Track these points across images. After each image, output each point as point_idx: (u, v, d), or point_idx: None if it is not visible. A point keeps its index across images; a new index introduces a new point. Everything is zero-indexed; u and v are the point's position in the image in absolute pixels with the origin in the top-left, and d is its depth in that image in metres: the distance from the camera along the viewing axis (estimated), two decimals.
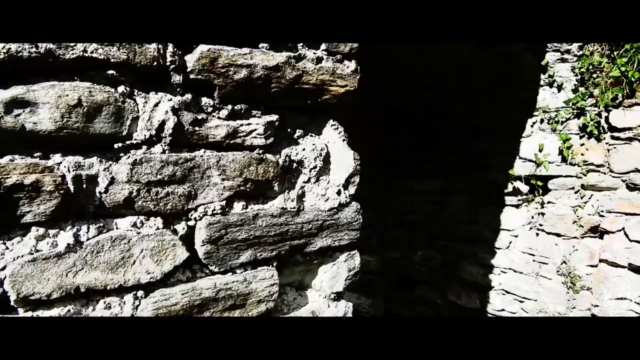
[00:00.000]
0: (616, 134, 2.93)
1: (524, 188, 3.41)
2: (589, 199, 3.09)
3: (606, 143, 2.99)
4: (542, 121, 3.28)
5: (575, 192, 3.14)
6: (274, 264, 1.21)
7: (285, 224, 1.20)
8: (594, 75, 2.99)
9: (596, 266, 3.06)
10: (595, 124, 2.99)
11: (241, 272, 1.13)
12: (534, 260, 3.37)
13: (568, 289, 3.17)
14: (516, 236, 3.51)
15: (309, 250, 1.27)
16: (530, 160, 3.35)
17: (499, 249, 3.61)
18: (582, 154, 3.08)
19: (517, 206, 3.50)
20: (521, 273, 3.45)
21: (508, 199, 3.53)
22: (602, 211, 3.02)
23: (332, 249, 1.34)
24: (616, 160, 2.94)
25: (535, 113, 3.33)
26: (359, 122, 4.15)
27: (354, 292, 4.60)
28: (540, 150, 3.26)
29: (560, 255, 3.21)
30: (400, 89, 3.82)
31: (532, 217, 3.39)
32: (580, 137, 3.10)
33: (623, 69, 2.82)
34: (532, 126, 3.36)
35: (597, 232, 3.07)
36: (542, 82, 3.24)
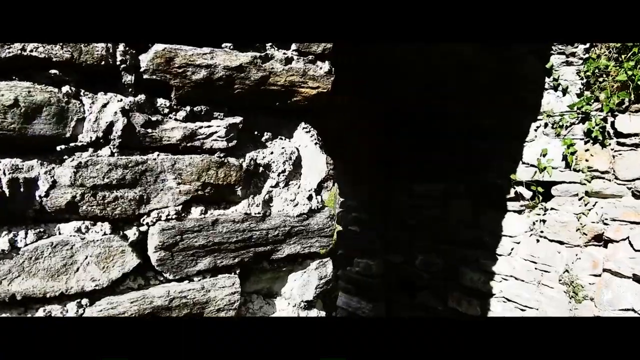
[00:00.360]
0: (622, 140, 2.83)
1: (527, 194, 3.32)
2: (593, 206, 2.99)
3: (611, 149, 2.89)
4: (546, 125, 3.19)
5: (579, 199, 3.04)
6: (237, 272, 1.17)
7: (249, 230, 1.16)
8: (600, 79, 2.89)
9: (599, 276, 2.96)
10: (601, 129, 2.89)
11: (199, 280, 1.09)
12: (535, 268, 3.28)
13: (570, 298, 3.07)
14: (518, 243, 3.42)
15: (275, 257, 1.23)
16: (533, 166, 3.25)
17: (500, 255, 3.53)
18: (587, 160, 2.98)
19: (519, 212, 3.41)
20: (523, 281, 3.36)
21: (510, 204, 3.44)
22: (607, 219, 2.92)
23: (302, 256, 1.29)
24: (621, 167, 2.84)
25: (539, 117, 3.23)
26: (358, 122, 4.10)
27: (355, 295, 4.55)
28: (544, 155, 3.17)
29: (563, 263, 3.11)
30: (400, 89, 3.75)
31: (535, 224, 3.29)
32: (585, 143, 3.00)
33: (630, 72, 2.72)
34: (535, 130, 3.27)
35: (601, 240, 2.97)
36: (546, 86, 3.15)
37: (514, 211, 3.44)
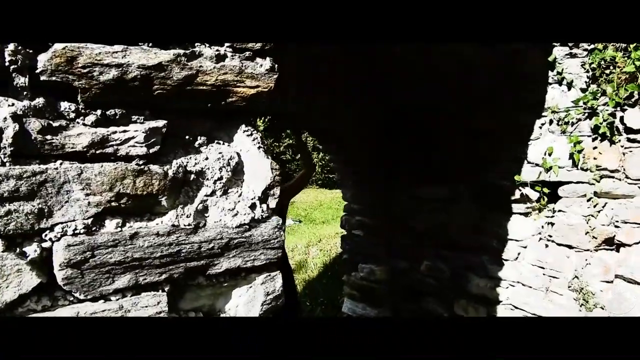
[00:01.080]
0: (632, 136, 2.63)
1: (533, 195, 3.13)
2: (603, 207, 2.79)
3: (621, 146, 2.69)
4: (551, 122, 3.01)
5: (588, 200, 2.84)
6: (166, 288, 1.07)
7: (177, 243, 1.06)
8: (607, 72, 2.70)
9: (611, 282, 2.76)
10: (609, 125, 2.70)
11: (117, 299, 1.00)
12: (543, 274, 3.09)
13: (580, 306, 2.87)
14: (525, 247, 3.23)
15: (212, 272, 1.13)
16: (538, 165, 3.07)
17: (506, 260, 3.35)
18: (595, 158, 2.79)
19: (525, 214, 3.23)
20: (530, 287, 3.17)
21: (516, 207, 3.26)
22: (618, 221, 2.72)
23: (245, 271, 1.19)
24: (632, 165, 2.64)
25: (544, 114, 3.05)
26: (360, 125, 3.98)
27: (360, 301, 4.42)
28: (550, 154, 2.99)
29: (572, 269, 2.92)
30: (400, 90, 3.62)
31: (542, 227, 3.11)
32: (593, 140, 2.81)
33: (638, 63, 2.53)
34: (540, 128, 3.09)
35: (613, 244, 2.77)
36: (550, 80, 2.97)
37: (520, 214, 3.25)
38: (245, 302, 1.21)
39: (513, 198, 3.25)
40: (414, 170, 3.94)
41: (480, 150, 3.44)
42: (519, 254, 3.27)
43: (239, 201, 1.17)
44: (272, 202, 1.23)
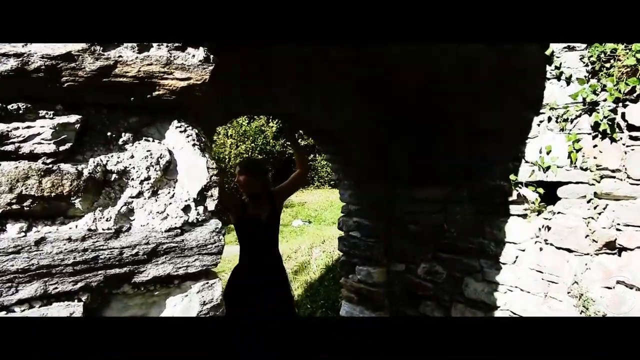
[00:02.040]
0: (634, 133, 2.47)
1: (531, 196, 2.99)
2: (604, 209, 2.63)
3: (623, 144, 2.54)
4: (549, 119, 2.86)
5: (588, 201, 2.69)
6: (83, 298, 0.99)
7: (94, 249, 0.98)
8: (607, 65, 2.55)
9: (612, 288, 2.60)
10: (609, 122, 2.54)
11: (22, 311, 0.92)
12: (542, 279, 2.94)
13: (580, 313, 2.72)
14: (523, 250, 3.08)
15: (139, 280, 1.04)
16: (536, 164, 2.93)
17: (504, 264, 3.20)
18: (595, 157, 2.64)
19: (523, 216, 3.08)
20: (528, 292, 3.02)
21: (513, 208, 3.11)
22: (619, 224, 2.56)
23: (179, 278, 1.10)
24: (634, 164, 2.48)
25: (542, 110, 2.91)
26: (358, 125, 3.87)
27: (357, 304, 4.31)
28: (548, 153, 2.84)
29: (572, 273, 2.77)
30: (399, 89, 3.50)
31: (540, 229, 2.96)
32: (593, 137, 2.65)
33: None
34: (539, 125, 2.94)
35: (614, 248, 2.61)
36: (548, 75, 2.82)
37: (518, 215, 3.11)
38: (181, 312, 1.12)
39: (511, 199, 3.10)
40: (414, 171, 3.82)
41: (480, 151, 3.30)
42: (517, 257, 3.12)
43: (170, 203, 1.08)
44: (211, 204, 1.14)
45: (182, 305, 1.12)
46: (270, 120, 15.10)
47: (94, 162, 0.98)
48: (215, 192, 1.14)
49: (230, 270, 3.60)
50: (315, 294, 5.69)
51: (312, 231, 8.80)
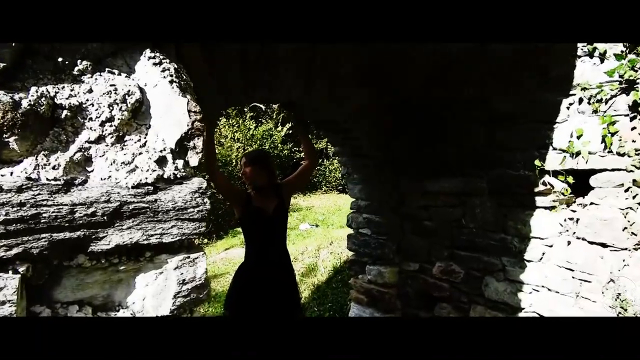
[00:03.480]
0: None
1: (559, 185, 2.73)
2: None
3: None
4: (580, 101, 2.60)
5: (625, 190, 2.43)
6: (21, 269, 0.76)
7: (35, 204, 0.75)
8: None
9: None
10: None
11: None
12: (573, 277, 2.67)
13: (617, 314, 2.45)
14: (550, 246, 2.82)
15: (97, 249, 0.81)
16: (565, 151, 2.67)
17: (529, 261, 2.94)
18: (634, 141, 2.38)
19: (550, 208, 2.82)
20: (557, 292, 2.76)
21: (539, 200, 2.85)
22: None
23: (150, 249, 0.87)
24: None
25: (572, 92, 2.65)
26: (366, 115, 3.63)
27: (367, 306, 4.05)
28: (579, 137, 2.59)
29: (607, 271, 2.50)
30: (408, 77, 3.26)
31: (570, 222, 2.69)
32: (631, 119, 2.39)
33: None
34: (568, 108, 2.68)
35: None
36: (579, 52, 2.57)
37: (545, 208, 2.85)
38: (153, 293, 0.88)
39: (537, 190, 2.84)
40: (426, 163, 3.57)
41: (499, 138, 3.05)
42: (543, 254, 2.86)
43: (140, 153, 0.85)
44: (193, 158, 0.91)
45: (155, 284, 0.88)
46: (278, 125, 14.91)
47: (37, 91, 0.75)
48: (198, 142, 0.91)
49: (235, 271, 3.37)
50: (322, 297, 5.43)
51: (319, 234, 8.55)
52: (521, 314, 2.99)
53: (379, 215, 3.90)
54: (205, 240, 10.27)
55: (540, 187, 2.82)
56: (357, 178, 4.02)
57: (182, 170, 0.88)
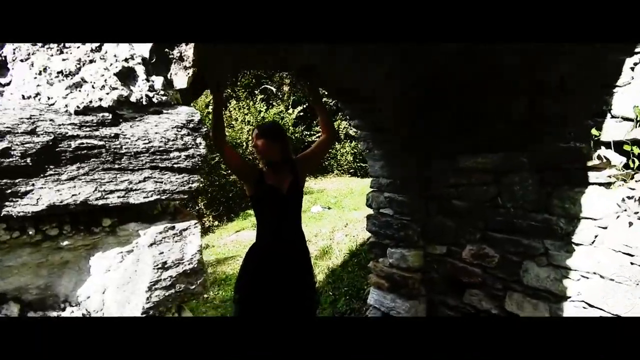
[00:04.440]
0: None
1: (617, 159, 2.37)
2: None
3: None
4: None
5: None
6: None
7: None
8: None
9: None
10: None
11: None
12: (632, 263, 2.33)
13: None
14: (604, 227, 2.47)
15: (16, 211, 0.49)
16: (628, 119, 2.31)
17: (578, 245, 2.59)
18: None
19: (606, 185, 2.46)
20: (612, 280, 2.41)
21: (593, 176, 2.50)
22: None
23: (109, 214, 0.55)
24: None
25: (637, 49, 2.27)
26: (390, 87, 3.28)
27: (389, 292, 3.75)
28: None
29: None
30: (440, 44, 2.88)
31: (630, 201, 2.34)
32: None
33: None
34: (632, 69, 2.31)
35: None
36: None
37: (599, 184, 2.49)
38: (119, 282, 0.57)
39: (590, 164, 2.49)
40: (460, 138, 3.21)
41: (546, 108, 2.69)
42: (596, 236, 2.51)
43: (92, 60, 0.52)
44: (180, 77, 0.58)
45: (121, 270, 0.57)
46: (289, 107, 14.55)
47: None
48: (189, 52, 0.58)
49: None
50: (338, 280, 5.15)
51: (333, 216, 8.25)
52: (567, 303, 2.66)
53: (403, 194, 3.57)
54: (216, 223, 10.06)
55: (595, 161, 2.46)
56: (378, 154, 3.68)
57: (161, 93, 0.56)
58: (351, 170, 15.81)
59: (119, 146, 0.55)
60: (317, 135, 14.96)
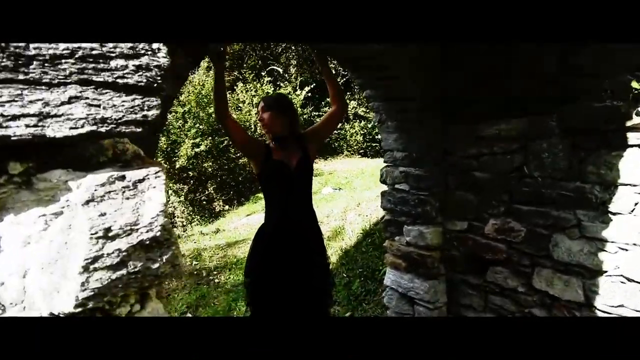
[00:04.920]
0: None
1: None
2: None
3: None
4: None
5: None
6: None
7: None
8: None
9: None
10: None
11: None
12: None
13: None
14: None
15: None
16: None
17: (616, 214, 2.37)
18: None
19: None
20: None
21: (633, 137, 2.26)
22: None
23: (18, 155, 0.35)
24: None
25: None
26: (405, 52, 3.04)
27: (407, 272, 3.57)
28: None
29: None
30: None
31: None
32: None
33: None
34: None
35: None
36: None
37: (639, 146, 2.26)
38: (45, 262, 0.37)
39: (629, 124, 2.25)
40: (482, 103, 2.98)
41: (579, 62, 2.44)
42: (636, 204, 2.29)
43: None
44: None
45: (46, 240, 0.37)
46: (297, 88, 14.28)
47: None
48: None
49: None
50: (351, 262, 4.98)
51: (344, 197, 8.06)
52: (603, 278, 2.45)
53: (419, 167, 3.35)
54: (227, 207, 9.95)
55: (634, 120, 2.23)
56: (392, 125, 3.45)
57: None
58: (361, 151, 15.58)
59: (23, 45, 0.35)
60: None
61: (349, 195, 7.95)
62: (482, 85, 2.94)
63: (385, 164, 3.66)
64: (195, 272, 5.48)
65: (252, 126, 12.16)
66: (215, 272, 5.46)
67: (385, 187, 3.71)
